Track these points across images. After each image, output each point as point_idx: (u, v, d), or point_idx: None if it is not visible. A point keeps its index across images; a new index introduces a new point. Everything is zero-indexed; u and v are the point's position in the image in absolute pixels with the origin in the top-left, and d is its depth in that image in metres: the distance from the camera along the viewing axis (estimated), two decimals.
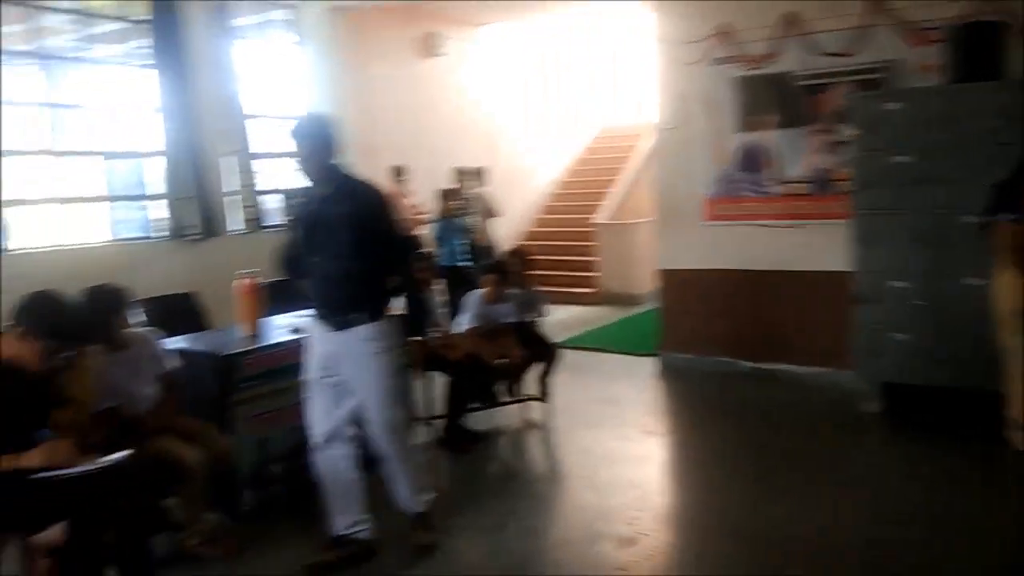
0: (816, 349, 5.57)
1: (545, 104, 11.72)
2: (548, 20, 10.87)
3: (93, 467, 2.46)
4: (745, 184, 5.81)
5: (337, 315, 3.02)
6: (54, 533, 2.72)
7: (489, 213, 8.50)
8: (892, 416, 4.71)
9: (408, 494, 3.22)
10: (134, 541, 2.58)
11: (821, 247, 5.48)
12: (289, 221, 3.07)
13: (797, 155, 5.59)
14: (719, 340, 6.01)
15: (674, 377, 6.06)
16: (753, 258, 5.81)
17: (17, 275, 4.17)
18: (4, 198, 5.69)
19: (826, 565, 3.04)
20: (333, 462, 3.13)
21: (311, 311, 3.17)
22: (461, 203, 7.53)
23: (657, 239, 6.45)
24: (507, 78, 10.85)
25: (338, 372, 3.06)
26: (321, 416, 3.12)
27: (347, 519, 3.15)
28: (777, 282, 5.72)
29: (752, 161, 5.76)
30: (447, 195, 7.36)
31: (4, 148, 5.73)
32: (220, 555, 3.20)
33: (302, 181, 3.13)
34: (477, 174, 8.58)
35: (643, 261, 9.17)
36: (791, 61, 5.51)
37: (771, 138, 5.67)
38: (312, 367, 3.12)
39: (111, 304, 3.12)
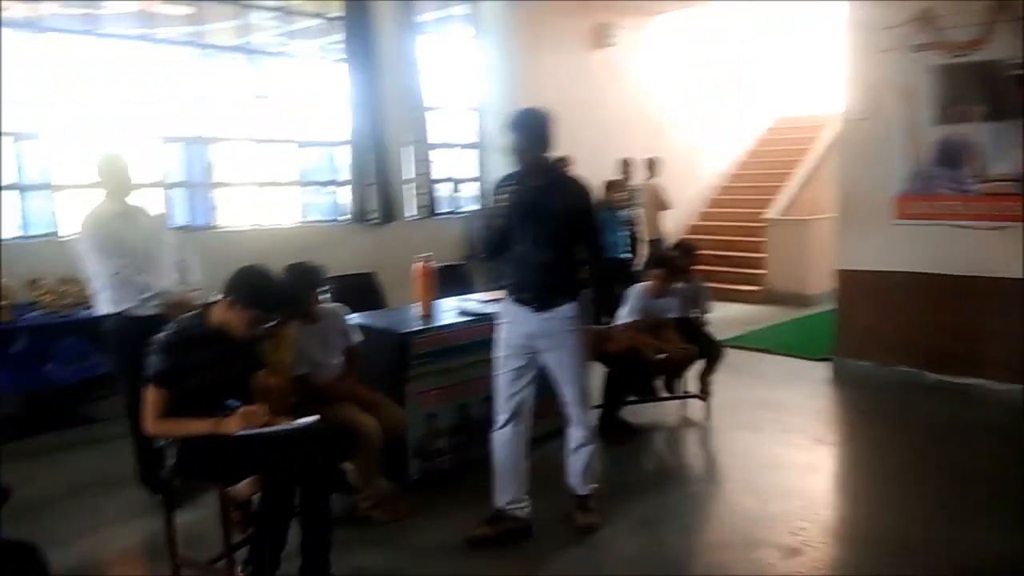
0: (1015, 364, 5.05)
1: (717, 94, 11.35)
2: (721, 7, 10.50)
3: (288, 427, 2.69)
4: (942, 181, 5.34)
5: (541, 297, 3.19)
6: (246, 487, 3.03)
7: (659, 205, 8.41)
8: None
9: (581, 473, 3.35)
10: (317, 499, 2.80)
11: None
12: (498, 206, 3.23)
13: (1004, 151, 5.07)
14: (901, 348, 5.59)
15: (848, 384, 5.71)
16: (946, 261, 5.34)
17: (222, 251, 4.63)
18: (215, 180, 6.35)
19: None
20: (508, 440, 3.28)
21: (508, 293, 3.32)
22: (625, 195, 7.48)
23: (834, 237, 6.08)
24: (678, 67, 10.61)
25: (534, 351, 3.25)
26: (507, 395, 3.29)
27: (509, 495, 3.29)
28: (973, 288, 5.23)
29: (952, 156, 5.28)
30: (611, 186, 7.34)
31: (215, 135, 6.39)
32: (390, 519, 3.41)
33: (501, 170, 3.27)
34: (650, 165, 8.52)
35: (816, 260, 8.71)
36: (1001, 48, 4.99)
37: (975, 132, 5.18)
38: (507, 346, 3.29)
39: (311, 280, 3.39)
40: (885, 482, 3.96)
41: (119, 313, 3.51)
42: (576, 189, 3.27)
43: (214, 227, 6.30)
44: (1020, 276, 5.00)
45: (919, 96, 5.39)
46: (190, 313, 2.85)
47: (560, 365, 3.25)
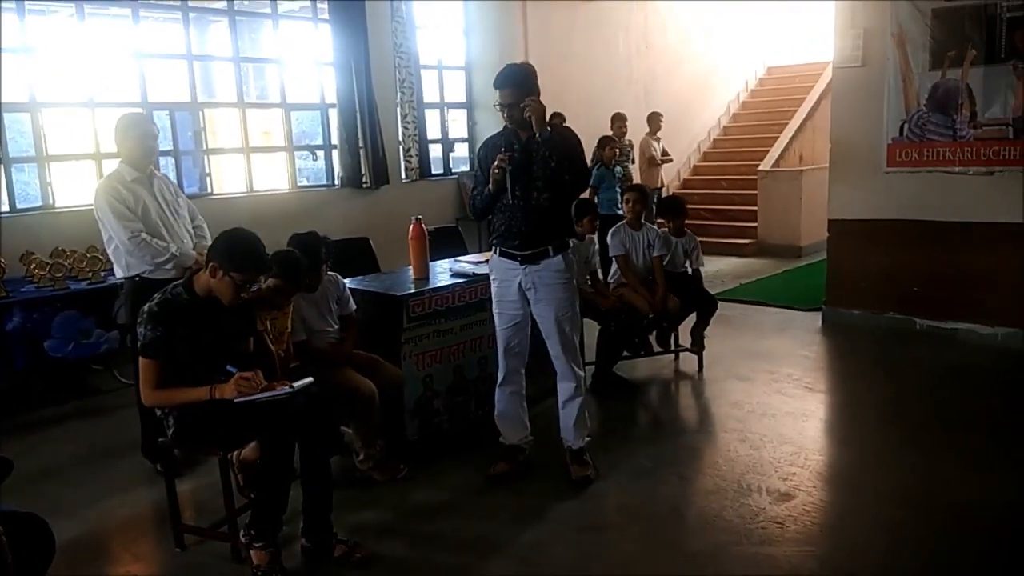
0: (1004, 308, 5.12)
1: (708, 43, 11.21)
2: None
3: (284, 391, 2.73)
4: (935, 127, 5.33)
5: (530, 250, 3.26)
6: (249, 450, 3.09)
7: (654, 160, 8.38)
8: None
9: (573, 426, 3.44)
10: (317, 461, 2.84)
11: (1017, 197, 4.97)
12: (480, 164, 3.33)
13: (998, 95, 5.05)
14: (893, 295, 5.65)
15: (839, 333, 5.77)
16: (938, 208, 5.36)
17: (216, 218, 4.63)
18: (206, 146, 6.30)
19: (993, 539, 2.86)
20: (512, 391, 3.49)
21: (496, 247, 3.37)
22: (617, 150, 7.44)
23: (826, 187, 6.08)
24: (668, 19, 10.46)
25: (527, 303, 3.33)
26: (505, 348, 3.43)
27: (518, 434, 3.53)
28: (964, 234, 5.27)
29: (944, 102, 5.26)
30: (603, 142, 7.30)
31: (204, 101, 6.32)
32: (388, 479, 3.47)
33: (492, 129, 3.27)
34: (657, 118, 8.48)
35: (808, 211, 8.72)
36: None
37: (969, 76, 5.14)
38: (500, 302, 3.39)
39: (319, 253, 3.39)
40: (875, 428, 4.03)
41: (135, 277, 3.54)
42: (566, 136, 3.29)
43: (207, 194, 6.27)
44: (1010, 220, 5.02)
45: (913, 42, 5.34)
46: (176, 281, 2.84)
47: (549, 317, 3.31)
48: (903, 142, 5.48)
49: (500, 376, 3.50)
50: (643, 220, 4.96)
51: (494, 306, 3.45)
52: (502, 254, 3.34)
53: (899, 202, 5.53)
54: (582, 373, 3.48)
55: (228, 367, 2.73)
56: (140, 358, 2.67)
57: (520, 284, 3.31)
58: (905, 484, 3.32)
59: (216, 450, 2.83)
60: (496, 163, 3.17)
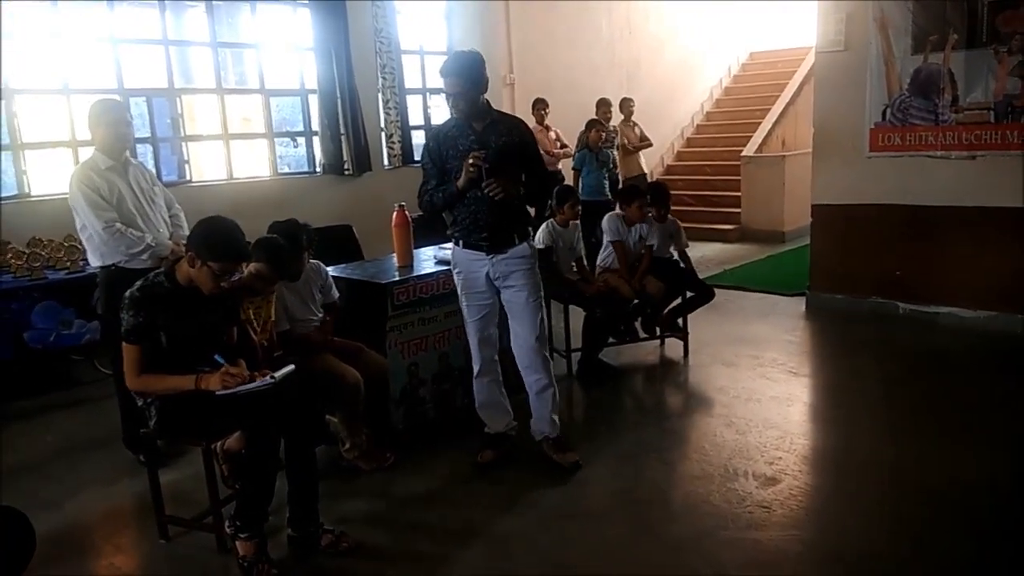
0: (985, 292, 5.17)
1: (691, 29, 11.18)
2: None
3: (267, 382, 2.69)
4: (917, 111, 5.34)
5: (494, 239, 3.22)
6: (233, 440, 3.06)
7: (636, 145, 8.34)
8: None
9: (548, 417, 3.41)
10: (302, 450, 2.81)
11: (998, 181, 5.02)
12: (432, 156, 3.27)
13: (980, 79, 5.07)
14: (875, 280, 5.69)
15: (822, 317, 5.81)
16: (921, 192, 5.39)
17: (195, 206, 4.56)
18: (184, 134, 6.21)
19: (977, 521, 2.88)
20: (489, 381, 3.47)
21: (458, 240, 3.32)
22: (603, 134, 7.41)
23: (809, 173, 6.09)
24: (648, 5, 10.42)
25: (494, 292, 3.31)
26: (478, 340, 3.39)
27: (502, 422, 3.52)
28: (946, 219, 5.30)
29: (926, 86, 5.28)
30: (591, 125, 7.27)
31: (181, 86, 6.21)
32: (375, 468, 3.45)
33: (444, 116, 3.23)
34: (628, 104, 8.42)
35: (792, 197, 8.75)
36: None
37: (951, 60, 5.15)
38: (467, 294, 3.35)
39: (301, 240, 3.35)
40: (859, 411, 4.06)
41: (110, 266, 3.48)
42: (516, 125, 3.28)
43: (186, 181, 6.18)
44: (992, 204, 5.05)
45: (895, 26, 5.34)
46: (157, 269, 2.80)
47: (516, 306, 3.30)
48: (885, 127, 5.50)
49: (476, 367, 3.46)
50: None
51: (461, 299, 3.39)
52: (467, 246, 3.29)
53: (882, 187, 5.55)
54: (551, 360, 3.46)
55: (216, 357, 2.69)
56: (123, 343, 2.64)
57: (488, 274, 3.28)
58: (890, 467, 3.35)
59: (199, 440, 2.80)
60: (471, 161, 3.06)
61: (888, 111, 5.47)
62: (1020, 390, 4.21)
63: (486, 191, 3.07)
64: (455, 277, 3.40)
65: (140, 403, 2.79)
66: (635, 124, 8.44)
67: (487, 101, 3.26)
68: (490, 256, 3.25)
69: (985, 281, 5.16)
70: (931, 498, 3.06)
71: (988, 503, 3.02)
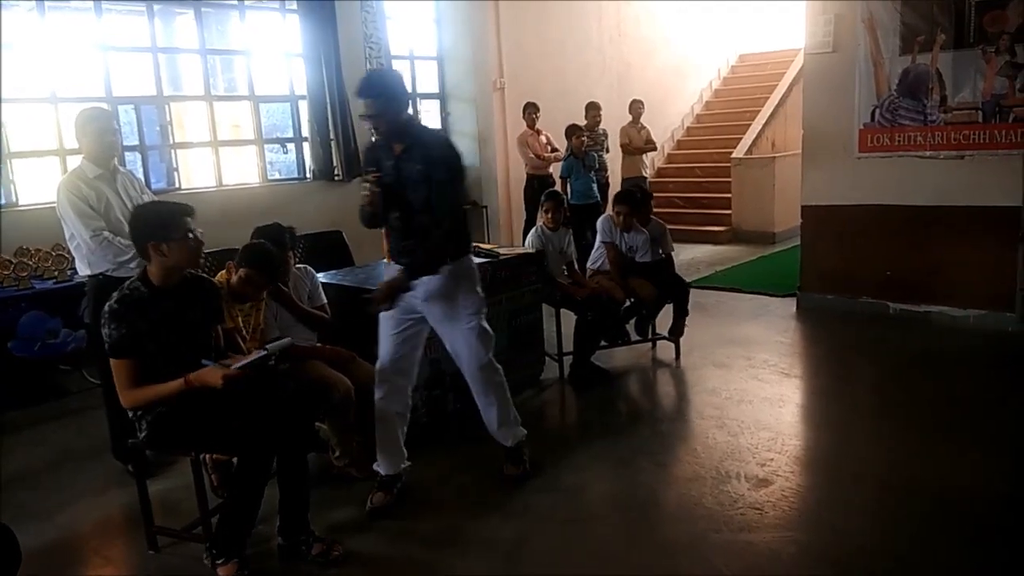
0: (975, 291, 5.18)
1: (681, 32, 11.21)
2: None
3: (260, 355, 2.67)
4: (906, 112, 5.36)
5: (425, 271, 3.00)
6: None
7: (640, 148, 8.37)
8: None
9: (497, 427, 3.31)
10: (294, 459, 2.79)
11: (987, 180, 5.04)
12: (366, 177, 3.06)
13: (968, 79, 5.09)
14: (866, 280, 5.70)
15: (813, 318, 5.82)
16: (909, 192, 5.41)
17: None
18: (173, 141, 6.18)
19: (971, 521, 2.88)
20: (391, 406, 3.18)
21: (392, 257, 3.19)
22: (589, 139, 7.42)
23: (799, 174, 6.11)
24: (640, 8, 10.44)
25: (418, 313, 3.11)
26: (390, 359, 3.16)
27: (401, 458, 3.24)
28: (935, 218, 5.32)
29: (915, 87, 5.30)
30: (570, 132, 7.27)
31: (170, 95, 6.19)
32: (366, 476, 3.42)
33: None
34: (637, 106, 8.46)
35: (782, 198, 8.78)
36: None
37: (939, 61, 5.18)
38: (394, 311, 3.11)
39: (284, 242, 3.34)
40: (850, 411, 4.06)
41: (98, 275, 3.46)
42: (429, 150, 2.97)
43: (175, 189, 6.15)
44: (983, 204, 5.07)
45: (883, 26, 5.37)
46: (131, 277, 2.77)
47: (447, 326, 3.12)
48: (875, 127, 5.52)
49: (379, 393, 3.16)
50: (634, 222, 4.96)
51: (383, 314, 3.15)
52: (398, 263, 3.10)
53: (871, 187, 5.57)
54: (486, 377, 3.20)
55: (204, 361, 2.66)
56: (111, 360, 2.61)
57: (414, 294, 3.05)
58: (883, 467, 3.35)
59: (188, 451, 2.77)
60: (364, 184, 2.96)
61: (877, 112, 5.49)
62: (1011, 388, 4.22)
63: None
64: None
65: (131, 415, 2.76)
66: (643, 127, 8.47)
67: (414, 120, 3.07)
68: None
69: (975, 280, 5.18)
70: (923, 498, 3.06)
71: (981, 503, 3.02)
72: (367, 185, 2.99)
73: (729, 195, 9.49)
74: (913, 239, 5.43)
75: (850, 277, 5.77)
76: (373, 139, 3.24)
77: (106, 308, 2.60)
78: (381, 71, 3.05)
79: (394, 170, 2.99)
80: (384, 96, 2.92)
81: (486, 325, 3.18)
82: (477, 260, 4.25)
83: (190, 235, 2.63)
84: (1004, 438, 3.60)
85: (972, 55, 5.05)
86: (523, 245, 5.14)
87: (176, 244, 2.60)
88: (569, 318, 4.72)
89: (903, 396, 4.20)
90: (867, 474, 3.30)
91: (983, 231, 5.10)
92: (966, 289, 5.24)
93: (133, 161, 5.99)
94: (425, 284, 3.03)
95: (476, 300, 3.15)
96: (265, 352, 2.65)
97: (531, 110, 7.67)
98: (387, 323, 3.15)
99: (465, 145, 8.43)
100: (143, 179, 5.19)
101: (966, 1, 5.00)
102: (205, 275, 2.99)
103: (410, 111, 3.03)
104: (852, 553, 2.72)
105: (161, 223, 2.60)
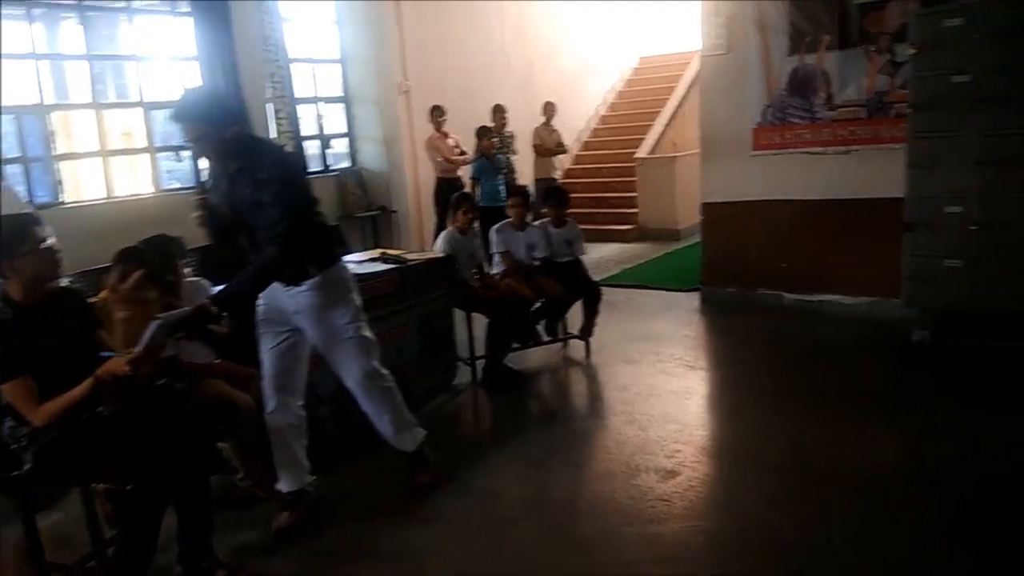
0: (864, 279, 5.46)
1: (583, 35, 11.39)
2: None
3: (180, 313, 2.60)
4: (795, 110, 5.60)
5: (286, 284, 2.93)
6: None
7: (551, 150, 8.46)
8: (943, 345, 4.62)
9: (394, 433, 3.23)
10: (195, 482, 2.66)
11: (872, 174, 5.31)
12: (199, 203, 2.90)
13: (852, 78, 5.36)
14: (762, 273, 5.92)
15: (716, 311, 6.02)
16: (800, 187, 5.66)
17: (73, 229, 4.29)
18: (57, 152, 5.84)
19: (873, 500, 3.02)
20: (285, 421, 3.08)
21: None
22: (497, 141, 7.45)
23: (699, 172, 6.30)
24: (544, 10, 10.55)
25: (293, 326, 3.02)
26: (273, 373, 3.06)
27: (302, 475, 3.14)
28: (825, 211, 5.58)
29: (803, 86, 5.55)
30: (481, 133, 7.28)
31: (51, 102, 5.84)
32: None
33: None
34: (550, 107, 8.54)
35: (684, 196, 9.03)
36: None
37: (825, 60, 5.43)
38: (265, 323, 3.06)
39: (169, 252, 3.20)
40: (753, 401, 4.21)
41: None
42: (259, 167, 2.77)
43: (59, 204, 5.82)
44: (868, 196, 5.35)
45: (773, 28, 5.58)
46: None
47: (321, 338, 3.01)
48: (766, 126, 5.74)
49: (268, 408, 3.05)
50: (526, 220, 5.02)
51: (259, 327, 3.05)
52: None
53: (765, 183, 5.80)
54: (369, 387, 3.11)
55: (103, 354, 2.53)
56: (3, 388, 2.45)
57: (285, 306, 2.97)
58: (784, 453, 3.48)
59: (79, 483, 2.62)
60: (194, 206, 2.83)
61: (768, 111, 5.72)
62: (902, 371, 4.47)
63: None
64: (259, 304, 3.04)
65: (13, 445, 2.58)
66: (554, 129, 8.56)
67: (242, 138, 2.83)
68: (286, 289, 2.93)
69: (864, 269, 5.44)
70: (826, 481, 3.18)
71: (881, 482, 3.14)
72: (196, 206, 2.84)
73: (635, 194, 9.70)
74: (806, 232, 5.68)
75: (747, 270, 5.99)
76: None
77: None
78: (195, 91, 2.85)
79: (230, 191, 2.83)
80: (197, 119, 2.71)
81: (366, 332, 3.07)
82: (384, 267, 4.25)
83: (42, 245, 2.51)
84: (897, 417, 3.79)
85: (856, 54, 5.31)
86: (432, 249, 5.11)
87: (29, 257, 2.48)
88: (481, 322, 4.72)
89: (800, 383, 4.38)
90: (770, 460, 3.42)
91: (870, 222, 5.36)
92: (856, 278, 5.51)
93: (16, 174, 5.63)
94: (293, 298, 2.92)
95: (351, 309, 3.02)
96: (160, 320, 2.51)
97: (437, 113, 7.64)
98: (265, 338, 3.05)
99: (372, 149, 8.33)
100: (25, 193, 4.89)
101: (849, 3, 5.27)
102: (68, 285, 2.84)
103: (238, 128, 2.81)
104: (760, 538, 2.81)
105: (6, 240, 2.48)
